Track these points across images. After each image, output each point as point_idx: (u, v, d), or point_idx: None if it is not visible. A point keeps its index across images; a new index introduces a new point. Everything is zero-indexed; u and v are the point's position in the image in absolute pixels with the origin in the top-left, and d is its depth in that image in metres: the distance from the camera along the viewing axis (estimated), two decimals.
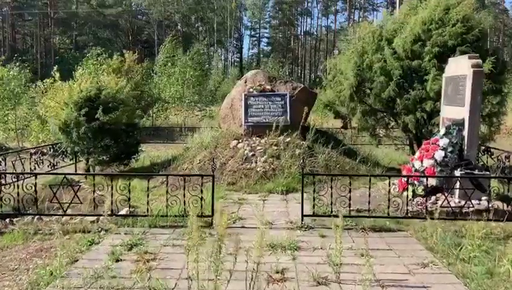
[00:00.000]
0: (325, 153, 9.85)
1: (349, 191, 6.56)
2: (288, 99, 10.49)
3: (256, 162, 9.55)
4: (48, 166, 10.65)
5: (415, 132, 10.56)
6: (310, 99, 10.96)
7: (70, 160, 11.40)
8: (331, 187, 6.54)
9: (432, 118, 10.05)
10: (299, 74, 70.26)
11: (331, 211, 6.58)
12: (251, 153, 9.78)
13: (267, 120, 10.41)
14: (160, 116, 25.13)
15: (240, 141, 10.34)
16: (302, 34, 74.17)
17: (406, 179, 7.90)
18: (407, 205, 6.66)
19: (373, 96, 10.47)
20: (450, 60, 8.46)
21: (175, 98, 23.56)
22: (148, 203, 6.79)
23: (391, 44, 10.42)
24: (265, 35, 75.37)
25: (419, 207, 7.04)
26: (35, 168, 10.07)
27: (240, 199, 8.16)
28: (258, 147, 9.95)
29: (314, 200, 6.53)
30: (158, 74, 25.88)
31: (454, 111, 7.92)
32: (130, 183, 6.90)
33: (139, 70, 24.09)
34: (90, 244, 5.81)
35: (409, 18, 10.90)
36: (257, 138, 10.35)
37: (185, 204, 6.62)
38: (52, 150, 11.13)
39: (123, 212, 6.92)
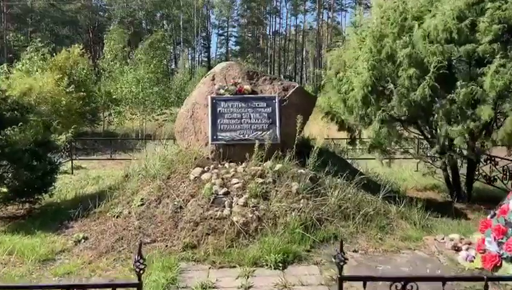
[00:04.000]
0: (337, 187, 6.24)
1: None
2: (277, 105, 6.81)
3: (231, 207, 5.81)
4: None
5: (463, 152, 7.08)
6: (307, 105, 7.30)
7: None
8: None
9: (491, 131, 6.67)
10: (261, 72, 66.72)
11: None
12: (223, 191, 6.04)
13: (246, 136, 6.71)
14: (113, 122, 20.93)
15: (206, 168, 6.58)
16: (271, 33, 70.77)
17: (497, 249, 4.41)
18: None
19: (397, 97, 6.93)
20: None
21: (127, 99, 19.34)
22: None
23: (421, 24, 6.91)
24: (234, 34, 71.46)
25: None
26: None
27: (204, 285, 4.41)
28: (234, 180, 6.22)
29: None
30: (107, 71, 21.50)
31: None
32: None
33: (85, 67, 19.85)
34: None
35: None
36: (232, 165, 6.62)
37: None
38: None
39: None
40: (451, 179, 8.16)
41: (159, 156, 7.36)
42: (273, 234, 5.43)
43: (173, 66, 57.41)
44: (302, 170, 6.43)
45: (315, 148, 6.55)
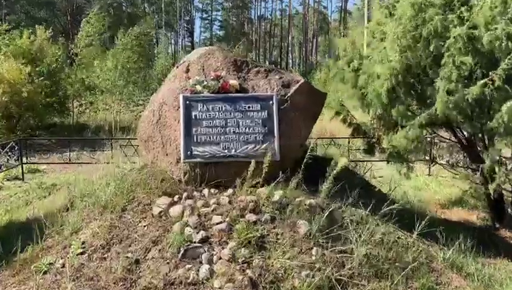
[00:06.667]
0: (364, 227, 4.34)
1: None
2: (275, 107, 4.81)
3: (210, 263, 3.86)
4: None
5: None
6: (315, 106, 5.32)
7: None
8: None
9: None
10: (253, 61, 64.07)
11: None
12: (199, 236, 4.07)
13: (232, 152, 4.72)
14: (84, 113, 18.63)
15: (176, 198, 4.60)
16: (256, 18, 68.08)
17: None
18: None
19: (442, 94, 4.99)
20: None
21: (102, 88, 17.08)
22: None
23: None
24: (218, 18, 68.47)
25: None
26: None
27: None
28: (216, 219, 4.25)
29: None
30: (80, 57, 19.01)
31: None
32: None
33: (59, 53, 17.47)
34: None
35: None
36: (212, 192, 4.65)
37: None
38: None
39: None
40: (492, 197, 6.35)
41: (114, 175, 5.34)
42: None
43: (156, 51, 54.61)
44: (311, 200, 4.50)
45: (331, 169, 4.57)
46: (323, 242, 4.10)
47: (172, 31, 63.15)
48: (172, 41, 63.60)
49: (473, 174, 7.25)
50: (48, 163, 10.48)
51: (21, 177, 9.91)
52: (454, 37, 4.66)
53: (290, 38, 71.11)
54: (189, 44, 63.48)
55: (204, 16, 66.98)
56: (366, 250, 4.10)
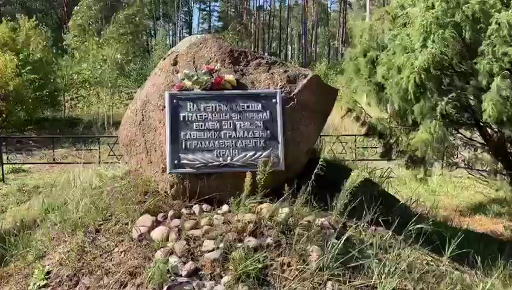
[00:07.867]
0: (387, 252, 3.56)
1: None
2: (279, 106, 4.00)
3: None
4: None
5: None
6: (325, 104, 4.49)
7: None
8: None
9: None
10: (253, 51, 63.01)
11: None
12: (187, 267, 3.27)
13: (228, 160, 3.92)
14: (76, 106, 17.75)
15: (161, 217, 3.80)
16: (254, 9, 66.91)
17: None
18: None
19: (495, 94, 4.14)
20: None
21: (89, 80, 16.23)
22: None
23: None
24: (216, 9, 67.33)
25: None
26: None
27: None
28: (207, 244, 3.45)
29: None
30: (71, 47, 18.09)
31: None
32: None
33: (41, 43, 16.54)
34: None
35: None
36: (204, 209, 3.86)
37: None
38: None
39: None
40: None
41: (89, 186, 4.55)
42: None
43: (154, 42, 53.53)
44: (324, 220, 3.72)
45: (345, 181, 3.78)
46: (339, 274, 3.31)
47: (171, 22, 62.06)
48: (171, 32, 62.57)
49: (493, 178, 6.52)
50: (30, 163, 9.66)
51: (1, 178, 9.11)
52: (498, 23, 3.83)
53: (289, 29, 70.04)
54: (188, 36, 62.44)
55: (203, 6, 65.85)
56: (392, 284, 3.32)
